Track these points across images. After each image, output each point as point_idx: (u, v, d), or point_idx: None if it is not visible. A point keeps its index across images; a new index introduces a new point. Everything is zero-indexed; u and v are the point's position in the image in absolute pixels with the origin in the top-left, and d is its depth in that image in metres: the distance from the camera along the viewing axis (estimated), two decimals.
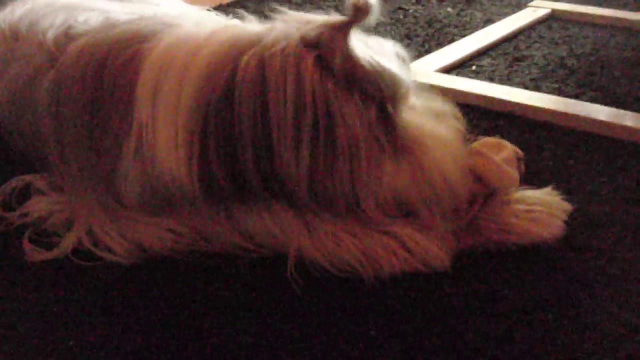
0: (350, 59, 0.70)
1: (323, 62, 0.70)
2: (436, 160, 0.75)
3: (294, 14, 0.75)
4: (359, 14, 0.69)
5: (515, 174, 0.79)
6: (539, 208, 0.80)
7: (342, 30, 0.70)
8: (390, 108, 0.74)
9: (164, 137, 0.73)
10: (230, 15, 0.92)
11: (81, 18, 0.90)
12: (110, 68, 0.78)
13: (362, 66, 0.70)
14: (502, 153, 0.80)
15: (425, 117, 0.78)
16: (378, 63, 0.71)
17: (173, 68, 0.74)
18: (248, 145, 0.70)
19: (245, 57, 0.70)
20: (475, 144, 0.81)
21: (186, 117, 0.72)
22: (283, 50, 0.70)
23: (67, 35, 0.86)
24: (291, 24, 0.73)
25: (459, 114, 0.82)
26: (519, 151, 0.82)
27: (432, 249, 0.75)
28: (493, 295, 0.72)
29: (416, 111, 0.79)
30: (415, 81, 0.79)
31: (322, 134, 0.70)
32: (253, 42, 0.72)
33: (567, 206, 0.83)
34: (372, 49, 0.73)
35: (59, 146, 0.83)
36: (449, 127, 0.79)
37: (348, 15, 0.69)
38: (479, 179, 0.78)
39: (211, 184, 0.73)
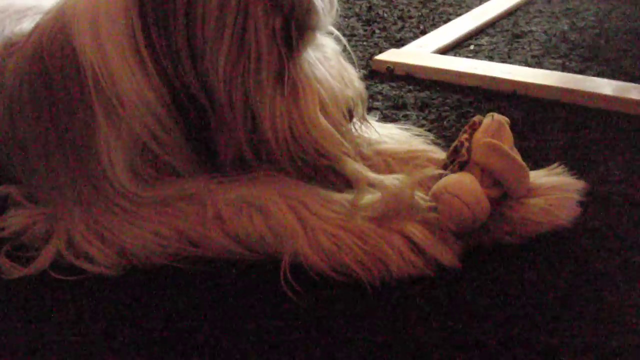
0: None
1: None
2: (314, 107, 0.74)
3: None
4: None
5: (525, 165, 0.74)
6: (551, 195, 0.74)
7: None
8: (294, 27, 0.72)
9: (116, 62, 0.72)
10: None
11: (22, 26, 0.87)
12: (47, 57, 0.75)
13: None
14: (504, 137, 0.75)
15: (325, 61, 0.78)
16: None
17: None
18: (182, 40, 0.71)
19: None
20: (481, 134, 0.75)
21: (126, 27, 0.72)
22: None
23: (6, 49, 0.84)
24: None
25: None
26: (506, 118, 0.77)
27: (440, 247, 0.70)
28: (508, 294, 0.67)
29: (321, 52, 0.78)
30: (331, 26, 0.79)
31: (237, 33, 0.70)
32: None
33: (580, 184, 0.77)
34: None
35: (23, 160, 0.80)
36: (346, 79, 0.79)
37: None
38: (497, 182, 0.73)
39: (175, 94, 0.73)
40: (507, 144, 0.75)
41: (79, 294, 0.71)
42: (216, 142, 0.75)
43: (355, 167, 0.76)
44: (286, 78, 0.73)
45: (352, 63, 0.83)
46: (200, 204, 0.74)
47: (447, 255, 0.69)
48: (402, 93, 1.15)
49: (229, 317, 0.66)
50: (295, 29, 0.72)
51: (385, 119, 1.04)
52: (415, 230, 0.69)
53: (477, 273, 0.70)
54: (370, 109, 1.07)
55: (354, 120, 0.81)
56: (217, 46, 0.70)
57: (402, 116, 1.06)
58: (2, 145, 0.84)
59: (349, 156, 0.76)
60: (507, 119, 0.77)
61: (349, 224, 0.71)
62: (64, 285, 0.71)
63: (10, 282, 0.72)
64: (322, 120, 0.75)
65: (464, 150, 0.74)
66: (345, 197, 0.74)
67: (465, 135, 0.76)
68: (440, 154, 0.83)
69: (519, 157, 0.74)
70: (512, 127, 0.78)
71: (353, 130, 0.82)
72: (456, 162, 0.75)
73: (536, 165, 0.81)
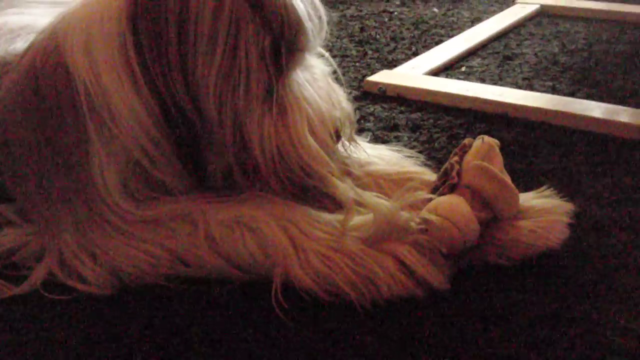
0: None
1: None
2: (302, 127, 0.75)
3: None
4: None
5: (515, 187, 0.75)
6: (541, 217, 0.75)
7: None
8: (284, 48, 0.73)
9: (108, 79, 0.73)
10: None
11: (16, 45, 0.87)
12: (41, 76, 0.76)
13: None
14: (494, 160, 0.76)
15: (313, 82, 0.79)
16: (290, 2, 0.72)
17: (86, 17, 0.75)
18: (174, 49, 0.71)
19: None
20: (471, 156, 0.76)
21: (119, 44, 0.72)
22: None
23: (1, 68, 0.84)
24: None
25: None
26: (496, 141, 0.78)
27: (430, 268, 0.70)
28: (497, 315, 0.67)
29: (310, 73, 0.79)
30: (321, 48, 0.81)
31: (228, 51, 0.71)
32: None
33: (569, 207, 0.78)
34: None
35: (16, 177, 0.80)
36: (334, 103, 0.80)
37: None
38: (487, 205, 0.74)
39: (166, 111, 0.73)
40: (497, 166, 0.76)
41: (71, 313, 0.70)
42: (205, 159, 0.76)
43: (344, 188, 0.76)
44: (275, 97, 0.74)
45: (341, 85, 0.84)
46: (192, 224, 0.74)
47: (437, 277, 0.70)
48: (393, 114, 1.15)
49: (219, 336, 0.66)
50: (285, 49, 0.73)
51: (376, 140, 1.05)
52: (406, 252, 0.70)
53: (466, 294, 0.70)
54: (362, 130, 1.08)
55: (342, 140, 0.82)
56: (209, 63, 0.71)
57: (394, 137, 1.06)
58: None
59: (334, 176, 0.77)
60: (497, 141, 0.78)
61: (340, 245, 0.71)
62: (55, 304, 0.71)
63: (1, 301, 0.72)
64: (310, 139, 0.76)
65: (454, 173, 0.75)
66: (336, 217, 0.74)
67: (456, 158, 0.77)
68: (431, 176, 0.84)
69: (508, 180, 0.75)
70: (503, 149, 0.78)
71: (342, 150, 0.82)
72: (446, 184, 0.75)
73: (526, 187, 0.82)
